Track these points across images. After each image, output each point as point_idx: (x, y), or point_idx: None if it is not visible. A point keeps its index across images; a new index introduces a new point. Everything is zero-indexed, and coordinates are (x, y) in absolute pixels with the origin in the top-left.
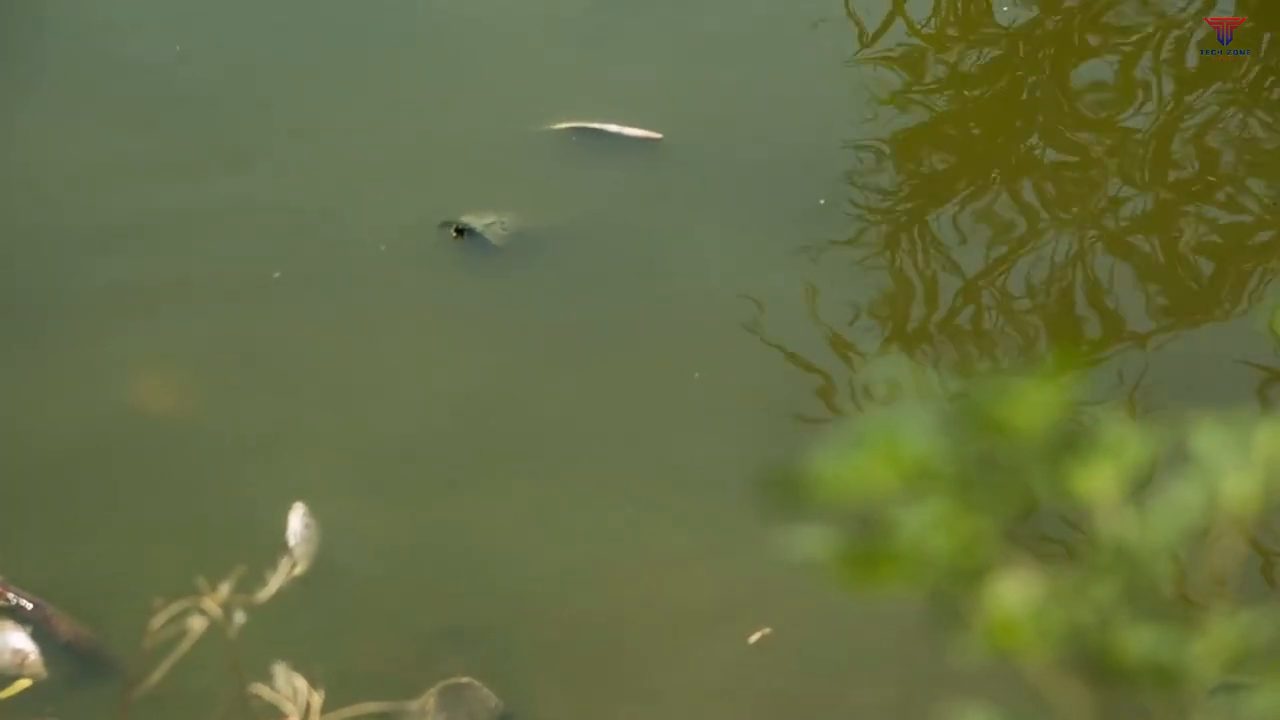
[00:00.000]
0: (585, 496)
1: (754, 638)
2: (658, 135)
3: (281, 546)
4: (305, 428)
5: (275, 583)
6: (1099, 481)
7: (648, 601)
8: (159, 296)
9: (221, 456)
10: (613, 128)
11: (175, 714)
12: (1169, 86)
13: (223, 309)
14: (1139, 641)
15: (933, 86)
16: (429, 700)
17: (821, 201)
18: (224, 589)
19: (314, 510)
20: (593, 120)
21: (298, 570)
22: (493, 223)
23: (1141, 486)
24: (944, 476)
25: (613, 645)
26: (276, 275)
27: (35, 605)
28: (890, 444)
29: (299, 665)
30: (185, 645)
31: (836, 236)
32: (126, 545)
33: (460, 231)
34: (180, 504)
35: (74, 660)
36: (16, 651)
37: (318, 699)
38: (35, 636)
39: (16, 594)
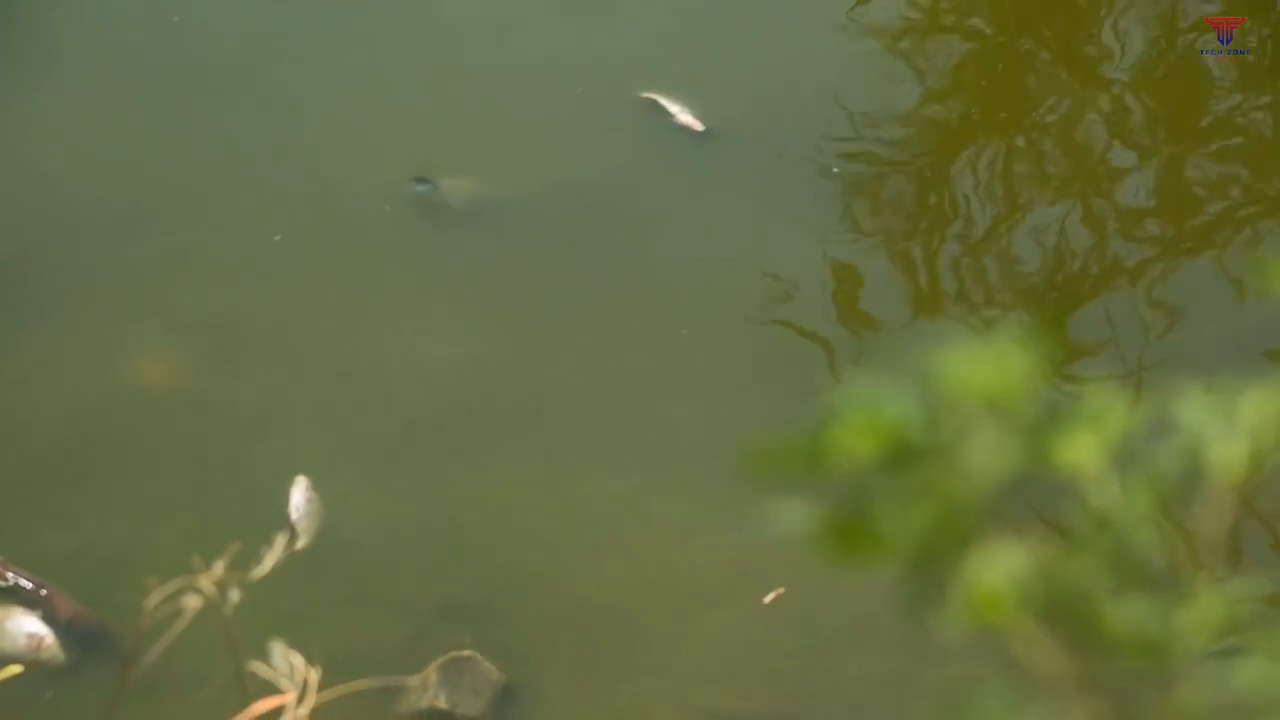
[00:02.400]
0: (587, 467)
1: (769, 598)
2: (701, 126)
3: (283, 521)
4: (305, 402)
5: (273, 558)
6: (1083, 451)
7: (650, 572)
8: (158, 273)
9: (222, 432)
10: (674, 107)
11: (173, 692)
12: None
13: (221, 285)
14: (1125, 612)
15: (936, 57)
16: (430, 675)
17: (835, 170)
18: (220, 566)
19: (315, 485)
20: (658, 94)
21: (300, 545)
22: (455, 185)
23: (1127, 456)
24: (926, 448)
25: (614, 616)
26: (277, 238)
27: (35, 584)
28: (873, 415)
29: (299, 641)
30: (182, 623)
31: (845, 211)
32: (128, 522)
33: (421, 181)
34: (182, 480)
35: (74, 639)
36: (32, 635)
37: (315, 676)
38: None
39: (16, 573)
